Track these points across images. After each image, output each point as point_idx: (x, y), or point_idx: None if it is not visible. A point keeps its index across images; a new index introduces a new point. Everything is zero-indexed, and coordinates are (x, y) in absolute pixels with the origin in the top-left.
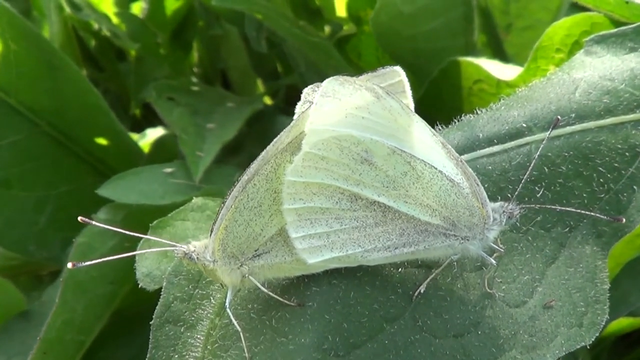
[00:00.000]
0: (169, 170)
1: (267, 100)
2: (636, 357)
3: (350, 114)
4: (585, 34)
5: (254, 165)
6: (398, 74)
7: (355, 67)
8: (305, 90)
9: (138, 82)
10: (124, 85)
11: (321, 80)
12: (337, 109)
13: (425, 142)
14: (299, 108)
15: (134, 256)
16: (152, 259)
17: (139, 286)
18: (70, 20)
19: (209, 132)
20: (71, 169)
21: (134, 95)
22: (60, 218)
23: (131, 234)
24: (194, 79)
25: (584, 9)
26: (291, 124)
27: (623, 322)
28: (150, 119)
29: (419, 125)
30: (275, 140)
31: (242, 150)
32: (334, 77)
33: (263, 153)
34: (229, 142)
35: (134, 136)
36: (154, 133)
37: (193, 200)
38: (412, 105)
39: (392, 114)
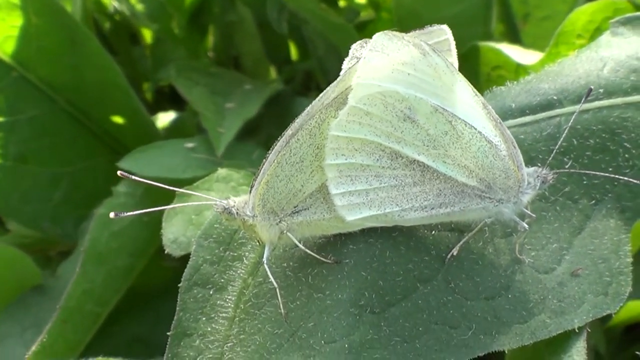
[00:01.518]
0: (190, 145)
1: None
2: None
3: (397, 69)
4: (608, 19)
5: (298, 120)
6: (444, 32)
7: None
8: (353, 46)
9: (155, 63)
10: (136, 69)
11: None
12: (385, 64)
13: (467, 102)
14: (346, 64)
15: (155, 230)
16: (178, 225)
17: (156, 252)
18: (87, 1)
19: (228, 111)
20: (87, 146)
21: (151, 76)
22: (75, 195)
23: (166, 187)
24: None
25: None
26: (338, 79)
27: (634, 308)
28: (162, 104)
29: (462, 84)
30: (321, 95)
31: (260, 131)
32: (384, 31)
33: (308, 108)
34: (246, 123)
35: None
36: (166, 117)
37: (218, 171)
38: (456, 64)
39: (437, 72)
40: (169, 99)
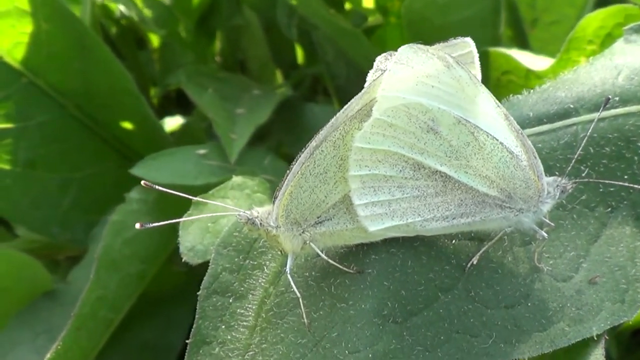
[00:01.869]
0: (202, 151)
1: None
2: None
3: (421, 82)
4: (619, 26)
5: (322, 132)
6: (468, 45)
7: None
8: (378, 59)
9: (163, 68)
10: (143, 74)
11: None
12: (409, 77)
13: (489, 114)
14: (370, 76)
15: (167, 237)
16: (195, 233)
17: (168, 258)
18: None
19: (238, 116)
20: (96, 152)
21: (159, 81)
22: (84, 200)
23: (185, 195)
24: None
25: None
26: (362, 91)
27: None
28: (169, 108)
29: (485, 96)
30: (345, 107)
31: (269, 137)
32: (409, 44)
33: (332, 120)
34: (256, 129)
35: None
36: (172, 122)
37: (233, 179)
38: (479, 76)
39: (460, 84)
40: (175, 103)
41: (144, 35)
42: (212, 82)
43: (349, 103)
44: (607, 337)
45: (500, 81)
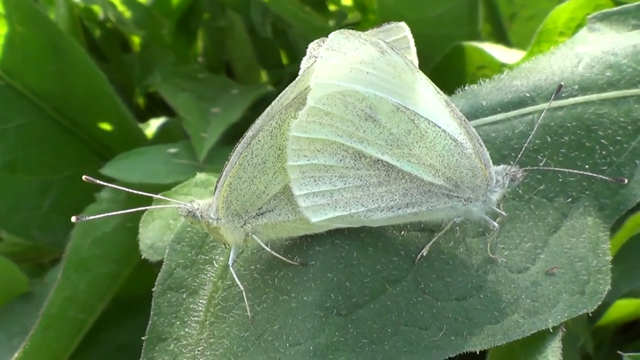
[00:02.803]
0: (173, 150)
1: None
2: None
3: (355, 68)
4: None
5: (258, 121)
6: (403, 30)
7: None
8: (311, 45)
9: (143, 69)
10: (128, 76)
11: None
12: (343, 63)
13: (429, 100)
14: (304, 63)
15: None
16: (155, 230)
17: (143, 258)
18: (75, 9)
19: (213, 116)
20: (75, 154)
21: (139, 82)
22: (64, 203)
23: (141, 193)
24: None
25: None
26: (296, 79)
27: (624, 307)
28: (154, 110)
29: (423, 82)
30: (280, 95)
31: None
32: (340, 30)
33: (268, 109)
34: (232, 127)
35: None
36: (157, 123)
37: (197, 176)
38: (416, 62)
39: (396, 70)
40: (161, 104)
41: (128, 37)
42: (190, 82)
43: (284, 91)
44: (564, 330)
45: (475, 75)
